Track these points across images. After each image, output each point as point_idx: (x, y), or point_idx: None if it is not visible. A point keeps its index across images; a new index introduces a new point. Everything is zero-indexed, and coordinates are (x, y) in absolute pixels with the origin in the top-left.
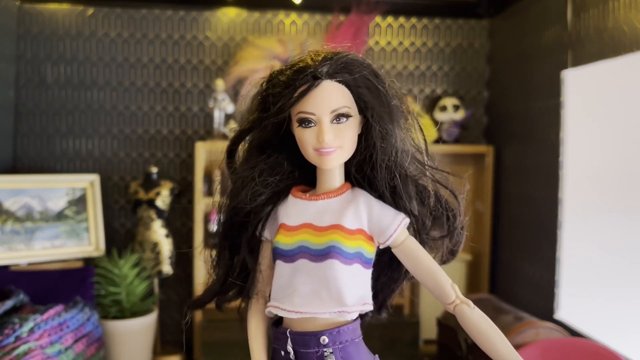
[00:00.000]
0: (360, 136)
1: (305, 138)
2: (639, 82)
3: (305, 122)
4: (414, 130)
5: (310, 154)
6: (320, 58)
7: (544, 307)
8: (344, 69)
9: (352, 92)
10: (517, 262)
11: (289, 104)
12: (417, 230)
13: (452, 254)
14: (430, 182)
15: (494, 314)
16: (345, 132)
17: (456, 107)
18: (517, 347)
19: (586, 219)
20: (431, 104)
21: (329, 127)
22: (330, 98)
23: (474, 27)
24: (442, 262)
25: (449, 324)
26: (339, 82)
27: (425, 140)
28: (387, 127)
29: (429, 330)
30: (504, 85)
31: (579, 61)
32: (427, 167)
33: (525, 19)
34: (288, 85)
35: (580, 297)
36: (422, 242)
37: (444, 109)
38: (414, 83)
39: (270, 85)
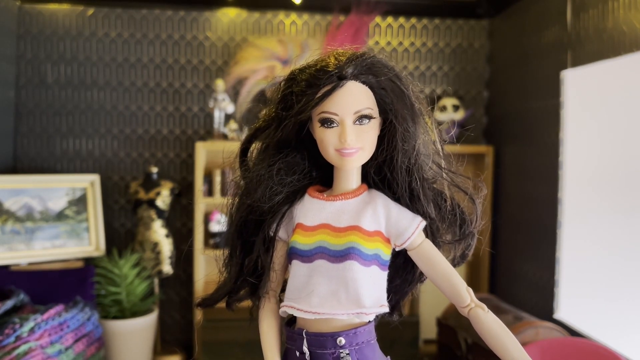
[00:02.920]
0: (379, 138)
1: (327, 138)
2: (639, 82)
3: (327, 122)
4: (432, 133)
5: (331, 155)
6: (344, 58)
7: (543, 307)
8: (369, 71)
9: (374, 94)
10: (517, 262)
11: (313, 103)
12: (432, 233)
13: (463, 257)
14: (446, 185)
15: (494, 314)
16: (367, 133)
17: (456, 107)
18: None
19: (586, 219)
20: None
21: (352, 128)
22: (354, 99)
23: (473, 27)
24: (453, 265)
25: (448, 324)
26: (363, 83)
27: (442, 143)
28: (410, 129)
29: (429, 330)
30: (503, 85)
31: (578, 61)
32: (445, 170)
33: (525, 19)
34: (311, 85)
35: (580, 297)
36: (436, 245)
37: (443, 109)
38: None
39: (292, 83)
